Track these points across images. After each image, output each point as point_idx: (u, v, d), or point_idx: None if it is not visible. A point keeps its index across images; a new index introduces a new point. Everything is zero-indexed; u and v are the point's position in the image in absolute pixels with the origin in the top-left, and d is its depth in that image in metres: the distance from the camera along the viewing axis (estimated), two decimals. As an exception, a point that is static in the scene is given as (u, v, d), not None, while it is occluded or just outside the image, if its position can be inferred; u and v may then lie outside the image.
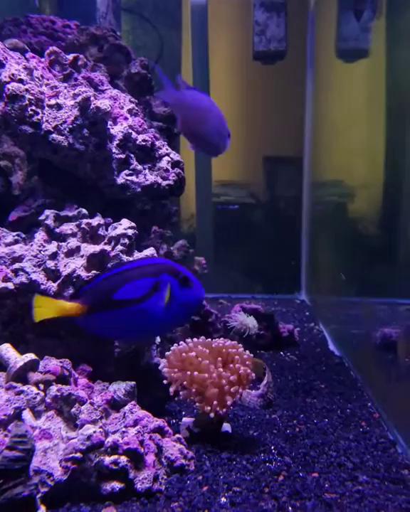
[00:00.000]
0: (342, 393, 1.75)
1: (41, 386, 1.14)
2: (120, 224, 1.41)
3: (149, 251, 1.41)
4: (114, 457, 1.02)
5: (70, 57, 1.51)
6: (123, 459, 1.02)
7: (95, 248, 1.36)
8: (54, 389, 1.12)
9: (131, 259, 1.37)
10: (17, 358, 1.17)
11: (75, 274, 1.32)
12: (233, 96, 3.71)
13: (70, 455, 0.98)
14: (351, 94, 2.85)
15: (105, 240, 1.39)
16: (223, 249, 3.82)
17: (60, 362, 1.21)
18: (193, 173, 3.73)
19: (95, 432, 1.02)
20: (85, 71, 1.54)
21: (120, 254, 1.35)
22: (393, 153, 2.38)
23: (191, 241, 3.79)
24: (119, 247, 1.36)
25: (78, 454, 0.98)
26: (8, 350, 1.20)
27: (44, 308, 1.18)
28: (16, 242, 1.38)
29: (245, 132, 3.72)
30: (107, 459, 1.02)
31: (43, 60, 1.48)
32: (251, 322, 2.13)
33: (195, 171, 3.75)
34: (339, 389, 1.79)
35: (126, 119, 1.53)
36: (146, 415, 1.18)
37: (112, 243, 1.38)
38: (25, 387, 1.11)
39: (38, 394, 1.10)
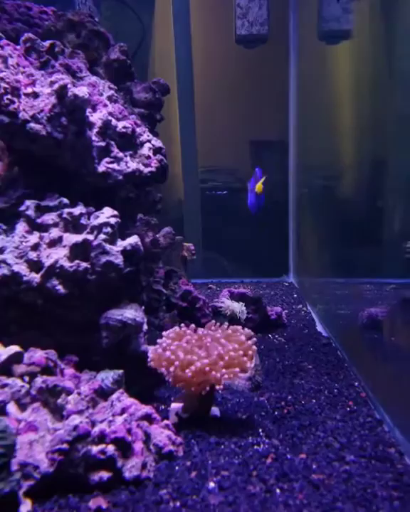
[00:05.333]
0: (329, 373, 1.77)
1: (26, 378, 1.14)
2: (102, 213, 1.40)
3: (133, 239, 1.40)
4: (101, 446, 1.03)
5: (47, 44, 1.49)
6: (110, 448, 1.03)
7: (78, 238, 1.35)
8: (39, 381, 1.12)
9: (114, 248, 1.36)
10: (1, 351, 1.17)
11: (58, 265, 1.32)
12: (217, 80, 3.69)
13: (57, 446, 0.98)
14: (334, 76, 2.84)
15: (88, 230, 1.38)
16: (212, 235, 3.84)
17: (45, 353, 1.21)
18: (180, 159, 3.73)
19: (81, 422, 1.02)
20: (63, 58, 1.52)
21: (103, 243, 1.34)
22: (378, 135, 2.37)
23: (179, 227, 3.81)
24: (102, 236, 1.35)
25: (65, 445, 0.99)
26: (-8, 343, 1.20)
27: None
28: (-3, 233, 1.37)
29: (230, 116, 3.71)
30: (95, 449, 1.02)
31: (18, 47, 1.45)
32: (238, 307, 2.15)
33: (181, 157, 3.75)
34: (327, 369, 1.81)
35: (105, 106, 1.51)
36: (133, 403, 1.18)
37: (95, 232, 1.37)
38: (9, 380, 1.11)
39: (22, 386, 1.10)
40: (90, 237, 1.36)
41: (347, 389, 1.61)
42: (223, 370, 1.24)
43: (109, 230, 1.37)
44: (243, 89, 3.65)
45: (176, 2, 3.46)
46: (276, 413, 1.42)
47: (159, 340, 1.33)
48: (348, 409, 1.46)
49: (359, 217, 2.40)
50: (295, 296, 3.22)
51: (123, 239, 1.43)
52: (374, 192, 2.35)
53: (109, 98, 1.53)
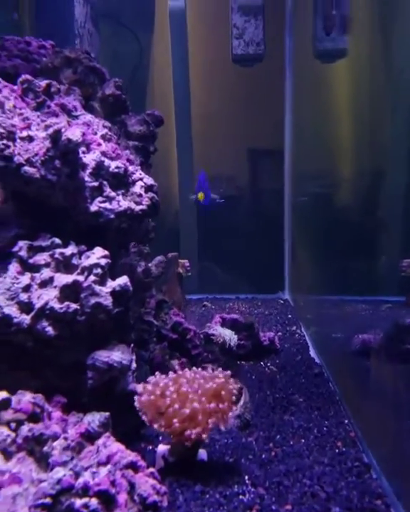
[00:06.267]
0: (319, 408, 1.76)
1: (13, 425, 1.14)
2: (93, 253, 1.41)
3: (122, 280, 1.41)
4: (84, 500, 1.03)
5: (43, 84, 1.50)
6: (94, 502, 1.03)
7: (68, 279, 1.36)
8: (25, 429, 1.12)
9: (103, 289, 1.37)
10: (-11, 397, 1.17)
11: (48, 306, 1.32)
12: (214, 97, 3.72)
13: (40, 501, 0.99)
14: (331, 93, 2.87)
15: (78, 270, 1.39)
16: (208, 247, 3.85)
17: (33, 398, 1.21)
18: (176, 171, 3.76)
19: (65, 475, 1.03)
20: (58, 97, 1.53)
21: (92, 284, 1.35)
22: (374, 150, 2.39)
23: (175, 237, 3.82)
24: (92, 278, 1.36)
25: (48, 500, 0.99)
26: (-21, 388, 1.20)
27: None
28: (-12, 275, 1.37)
29: (227, 132, 3.74)
30: (78, 502, 1.02)
31: (15, 88, 1.47)
32: (229, 335, 2.15)
33: (177, 169, 3.77)
34: (318, 403, 1.81)
35: (99, 145, 1.52)
36: (119, 449, 1.18)
37: (85, 273, 1.37)
38: (-4, 429, 1.11)
39: (8, 435, 1.10)
40: (81, 278, 1.37)
41: (336, 427, 1.61)
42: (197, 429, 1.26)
43: (99, 271, 1.38)
44: (240, 104, 3.69)
45: (173, 21, 3.49)
46: (263, 456, 1.42)
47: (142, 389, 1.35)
48: (336, 450, 1.46)
49: (355, 231, 2.40)
50: (290, 316, 3.21)
51: (114, 274, 1.44)
52: (369, 209, 2.36)
53: (103, 137, 1.54)
